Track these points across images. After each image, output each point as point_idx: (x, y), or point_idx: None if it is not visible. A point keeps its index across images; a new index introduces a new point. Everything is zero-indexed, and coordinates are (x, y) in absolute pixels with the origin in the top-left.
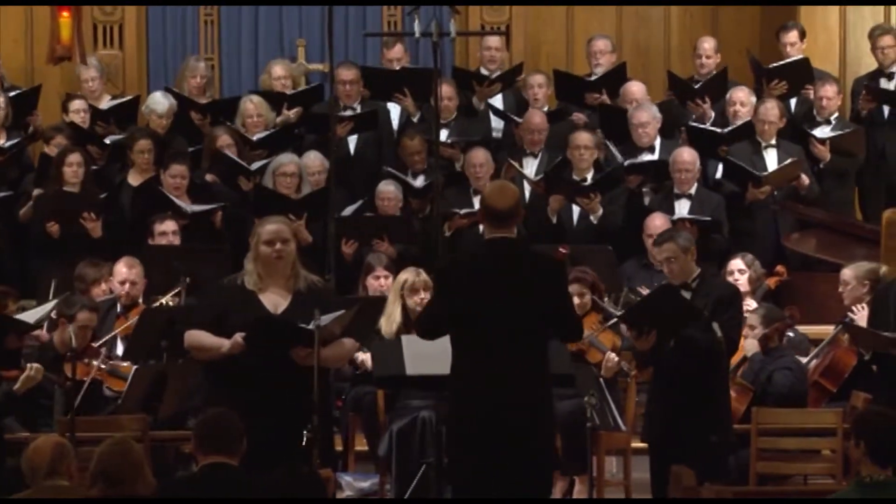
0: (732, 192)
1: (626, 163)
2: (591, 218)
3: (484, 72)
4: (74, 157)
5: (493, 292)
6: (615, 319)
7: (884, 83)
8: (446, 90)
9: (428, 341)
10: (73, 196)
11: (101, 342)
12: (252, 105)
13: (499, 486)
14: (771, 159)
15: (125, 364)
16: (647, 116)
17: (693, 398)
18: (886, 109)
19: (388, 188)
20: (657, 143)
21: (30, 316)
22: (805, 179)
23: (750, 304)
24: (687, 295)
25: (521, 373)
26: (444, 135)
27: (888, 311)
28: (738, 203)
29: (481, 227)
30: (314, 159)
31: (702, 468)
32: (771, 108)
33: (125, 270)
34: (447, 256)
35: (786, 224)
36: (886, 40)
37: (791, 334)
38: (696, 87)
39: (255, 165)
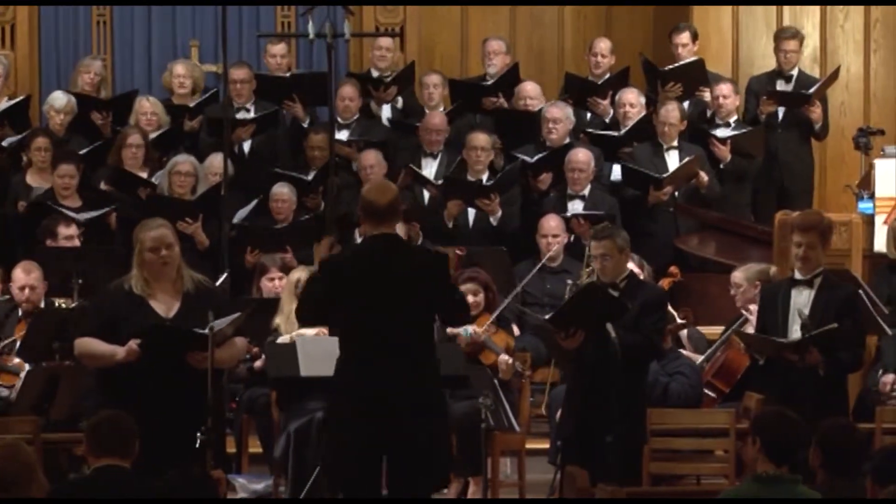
0: (633, 196)
1: (535, 158)
2: (491, 219)
3: (374, 73)
4: None
5: (378, 289)
6: (500, 310)
7: (780, 85)
8: (348, 91)
9: (308, 328)
10: None
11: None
12: (148, 104)
13: (391, 486)
14: (672, 161)
15: (16, 360)
16: (560, 113)
17: (613, 398)
18: (781, 112)
19: (281, 190)
20: None
21: None
22: (704, 177)
23: None
24: (614, 294)
25: (411, 371)
26: (345, 135)
27: (776, 312)
28: (639, 207)
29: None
30: (221, 161)
31: (619, 469)
32: (672, 111)
33: (23, 276)
34: (331, 254)
35: (684, 225)
36: (791, 45)
37: (686, 332)
38: (600, 83)
39: (157, 176)
